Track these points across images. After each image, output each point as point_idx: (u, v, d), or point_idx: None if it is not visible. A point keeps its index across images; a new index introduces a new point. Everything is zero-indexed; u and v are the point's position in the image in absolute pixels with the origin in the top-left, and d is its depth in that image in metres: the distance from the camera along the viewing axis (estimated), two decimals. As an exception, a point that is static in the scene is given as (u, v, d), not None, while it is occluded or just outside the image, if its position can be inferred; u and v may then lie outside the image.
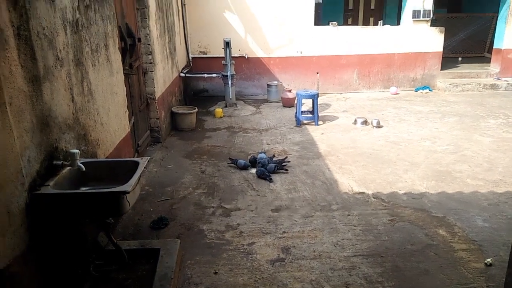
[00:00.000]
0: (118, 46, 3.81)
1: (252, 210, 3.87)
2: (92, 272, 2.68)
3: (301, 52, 8.96)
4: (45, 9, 2.32)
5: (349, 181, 4.55)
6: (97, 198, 2.21)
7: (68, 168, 2.34)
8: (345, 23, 12.22)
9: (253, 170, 4.80)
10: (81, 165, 2.31)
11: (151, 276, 2.68)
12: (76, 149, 2.45)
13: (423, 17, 8.95)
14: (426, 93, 9.14)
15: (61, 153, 2.42)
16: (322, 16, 11.74)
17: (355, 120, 6.81)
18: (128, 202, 2.24)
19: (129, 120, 4.15)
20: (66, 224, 2.40)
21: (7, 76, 1.88)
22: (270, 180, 4.51)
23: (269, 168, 4.72)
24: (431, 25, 9.15)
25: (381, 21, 9.68)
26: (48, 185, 2.16)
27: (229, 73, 7.58)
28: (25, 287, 1.98)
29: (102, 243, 2.85)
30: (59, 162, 2.31)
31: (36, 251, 2.07)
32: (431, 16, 9.02)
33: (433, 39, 9.17)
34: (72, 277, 2.53)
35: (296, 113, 6.81)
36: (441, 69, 9.47)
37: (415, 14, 8.94)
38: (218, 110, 7.32)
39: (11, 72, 1.92)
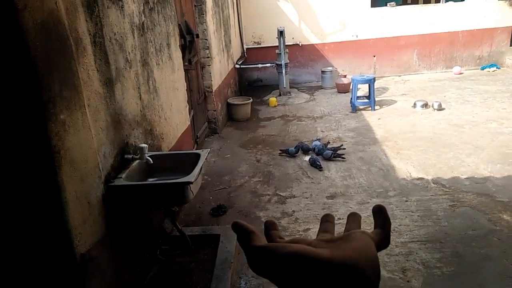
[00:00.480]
0: (178, 43, 4.04)
1: (307, 197, 3.97)
2: (159, 256, 2.92)
3: (356, 36, 8.77)
4: (115, 16, 2.55)
5: (408, 166, 4.47)
6: (164, 188, 2.43)
7: (137, 161, 2.57)
8: (404, 2, 11.69)
9: (307, 158, 4.87)
10: (149, 158, 2.53)
11: (212, 260, 2.88)
12: (144, 143, 2.69)
13: (490, -11, 8.36)
14: (493, 71, 8.56)
15: (131, 148, 2.66)
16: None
17: (415, 103, 6.59)
18: (192, 191, 2.44)
19: (189, 114, 4.40)
20: (136, 212, 2.66)
21: (85, 80, 2.12)
22: (320, 169, 4.56)
23: (325, 155, 4.76)
24: (499, -1, 8.52)
25: (444, -3, 9.16)
26: (121, 177, 2.40)
27: (283, 62, 7.64)
28: (102, 269, 2.22)
29: (167, 229, 3.10)
30: (130, 156, 2.55)
31: (112, 237, 2.30)
32: (500, -11, 8.40)
33: (501, 14, 8.54)
34: (141, 260, 2.79)
35: (351, 98, 6.74)
36: (511, 45, 8.78)
37: (482, -13, 8.37)
38: (272, 99, 7.43)
39: (88, 76, 2.16)
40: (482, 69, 8.75)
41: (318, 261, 0.38)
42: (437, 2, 9.29)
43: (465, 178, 4.10)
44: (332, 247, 0.40)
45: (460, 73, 8.63)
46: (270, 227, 0.46)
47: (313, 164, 4.65)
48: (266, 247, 0.41)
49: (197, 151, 2.76)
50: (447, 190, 3.90)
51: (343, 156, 4.81)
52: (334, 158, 4.76)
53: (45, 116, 1.74)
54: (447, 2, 8.73)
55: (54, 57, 1.80)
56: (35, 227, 1.89)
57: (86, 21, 2.15)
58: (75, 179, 1.94)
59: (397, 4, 8.92)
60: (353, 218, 0.49)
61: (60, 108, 1.83)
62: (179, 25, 4.24)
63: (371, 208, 0.48)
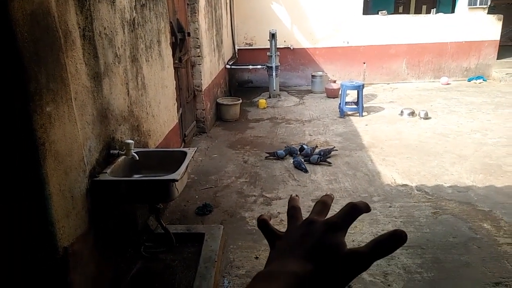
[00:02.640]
0: (169, 41, 4.03)
1: (293, 200, 3.98)
2: (143, 252, 2.91)
3: (347, 42, 8.85)
4: (106, 11, 2.53)
5: (392, 173, 4.53)
6: (149, 185, 2.42)
7: (123, 157, 2.56)
8: (396, 11, 11.86)
9: (292, 160, 4.89)
10: (135, 154, 2.52)
11: (196, 258, 2.88)
12: (130, 139, 2.68)
13: (479, 4, 8.53)
14: (479, 83, 8.74)
15: (117, 143, 2.65)
16: (371, 5, 11.45)
17: (402, 111, 6.68)
18: (177, 189, 2.43)
19: (177, 112, 4.38)
20: (120, 208, 2.64)
21: (73, 73, 2.10)
22: (306, 171, 4.58)
23: (312, 160, 4.79)
24: (488, 13, 8.69)
25: (434, 9, 9.32)
26: (106, 172, 2.39)
27: (273, 65, 7.67)
28: (85, 263, 2.21)
29: (152, 226, 3.09)
30: (115, 152, 2.54)
31: (95, 232, 2.30)
32: (488, 3, 8.57)
33: (489, 27, 8.72)
34: (124, 256, 2.77)
35: (340, 104, 6.80)
36: (498, 59, 8.99)
37: (471, 1, 8.55)
38: (262, 101, 7.45)
39: (76, 70, 2.14)
40: (469, 80, 8.92)
41: None
42: (428, 13, 9.44)
43: (448, 187, 4.17)
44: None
45: (448, 84, 8.78)
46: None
47: (298, 166, 4.68)
48: None
49: (184, 149, 2.75)
50: (430, 197, 3.96)
51: (329, 161, 4.84)
52: (320, 163, 4.79)
53: (30, 108, 1.72)
54: (437, 14, 8.88)
55: (42, 48, 1.78)
56: (18, 219, 1.86)
57: (76, 14, 2.14)
58: (59, 172, 1.92)
59: (389, 13, 9.04)
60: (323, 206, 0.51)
61: (47, 100, 1.81)
62: (170, 22, 4.23)
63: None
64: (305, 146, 5.09)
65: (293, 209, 0.52)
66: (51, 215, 1.86)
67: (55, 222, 1.89)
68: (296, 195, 0.55)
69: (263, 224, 0.52)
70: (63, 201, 1.95)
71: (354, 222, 0.48)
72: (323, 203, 0.52)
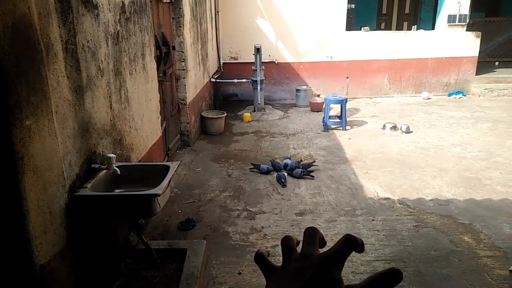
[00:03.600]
0: (154, 54, 4.03)
1: (276, 214, 3.98)
2: (123, 269, 2.85)
3: (331, 57, 8.99)
4: (90, 24, 2.53)
5: (375, 186, 4.57)
6: (130, 200, 2.39)
7: (105, 171, 2.53)
8: (378, 27, 12.11)
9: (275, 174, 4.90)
10: (117, 168, 2.49)
11: (178, 275, 2.84)
12: (112, 153, 2.65)
13: (458, 21, 8.79)
14: (459, 98, 8.95)
15: (99, 157, 2.62)
16: (354, 21, 11.70)
17: (384, 125, 6.79)
18: (159, 204, 2.41)
19: (161, 125, 4.36)
20: (100, 224, 2.59)
21: (54, 86, 2.08)
22: (284, 186, 4.59)
23: (295, 173, 4.81)
24: (467, 30, 8.97)
25: (415, 25, 9.56)
26: (86, 187, 2.35)
27: (258, 78, 7.72)
28: (62, 281, 2.15)
29: (133, 242, 3.04)
30: (97, 166, 2.51)
31: (74, 248, 2.25)
32: (467, 21, 8.85)
33: (468, 44, 8.98)
34: (104, 273, 2.71)
35: (324, 118, 6.87)
36: (477, 74, 9.24)
37: (451, 18, 8.80)
38: (247, 115, 7.48)
39: (58, 83, 2.12)
40: (449, 95, 9.13)
41: None
42: (409, 30, 9.68)
43: (429, 200, 4.23)
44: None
45: (428, 98, 8.97)
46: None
47: (279, 180, 4.69)
48: None
49: (167, 163, 2.74)
50: (412, 210, 4.01)
51: (312, 175, 4.87)
52: (304, 176, 4.81)
53: (10, 121, 1.69)
54: (418, 30, 9.12)
55: (23, 61, 1.76)
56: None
57: (59, 27, 2.13)
58: (38, 187, 1.88)
59: (371, 29, 9.23)
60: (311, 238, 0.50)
61: (26, 113, 1.78)
62: (155, 36, 4.24)
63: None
64: (288, 161, 5.11)
65: (287, 241, 0.51)
66: (28, 232, 1.82)
67: (32, 239, 1.84)
68: (290, 236, 0.53)
69: (260, 257, 0.51)
70: (41, 217, 1.91)
71: (337, 236, 0.48)
72: (312, 232, 0.51)
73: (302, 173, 4.81)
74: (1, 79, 1.65)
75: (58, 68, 2.12)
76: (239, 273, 3.07)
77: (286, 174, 4.84)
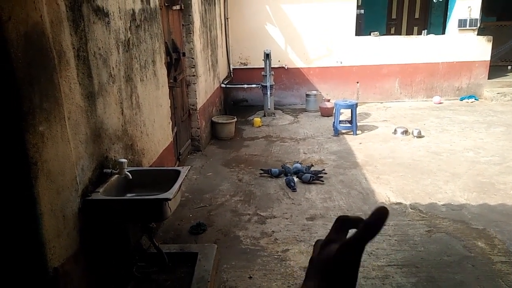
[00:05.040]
0: (164, 61, 4.07)
1: (287, 218, 3.97)
2: (135, 273, 2.86)
3: (341, 62, 8.98)
4: (101, 31, 2.57)
5: (386, 191, 4.53)
6: (141, 204, 2.41)
7: (116, 176, 2.55)
8: (388, 32, 12.05)
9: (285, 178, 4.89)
10: (128, 173, 2.52)
11: (189, 279, 2.84)
12: (124, 158, 2.68)
13: (469, 26, 8.72)
14: (471, 102, 8.85)
15: (111, 162, 2.65)
16: (364, 26, 11.67)
17: (395, 130, 6.74)
18: (170, 208, 2.42)
19: (172, 130, 4.40)
20: (112, 228, 2.62)
21: (67, 93, 2.12)
22: (294, 190, 4.59)
23: (304, 178, 4.80)
24: (478, 34, 8.88)
25: (425, 30, 9.51)
26: (98, 191, 2.38)
27: (268, 84, 7.75)
28: (75, 284, 2.17)
29: (144, 246, 3.06)
30: (109, 171, 2.53)
31: (86, 252, 2.27)
32: (478, 25, 8.77)
33: (480, 48, 8.88)
34: (116, 277, 2.73)
35: (334, 122, 6.85)
36: (489, 78, 9.12)
37: (461, 23, 8.73)
38: (257, 120, 7.49)
39: (70, 89, 2.16)
40: (461, 99, 9.03)
41: None
42: (419, 34, 9.63)
43: (442, 205, 4.18)
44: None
45: (440, 103, 8.88)
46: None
47: (288, 184, 4.68)
48: None
49: (178, 168, 2.76)
50: (424, 215, 3.96)
51: (322, 180, 4.84)
52: (313, 181, 4.79)
53: (23, 127, 1.73)
54: (428, 35, 9.06)
55: (36, 69, 1.80)
56: (8, 238, 1.85)
57: (71, 35, 2.17)
58: (51, 192, 1.91)
59: (381, 34, 9.21)
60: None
61: (40, 119, 1.82)
62: (165, 43, 4.29)
63: (350, 231, 0.51)
64: (299, 165, 5.09)
65: (343, 222, 0.54)
66: (41, 235, 1.85)
67: (46, 242, 1.87)
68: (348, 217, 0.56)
69: (346, 219, 0.54)
70: (54, 221, 1.94)
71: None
72: (343, 220, 0.53)
73: (311, 178, 4.80)
74: (15, 86, 1.69)
75: (70, 75, 2.16)
76: (250, 277, 3.06)
77: (295, 178, 4.83)
